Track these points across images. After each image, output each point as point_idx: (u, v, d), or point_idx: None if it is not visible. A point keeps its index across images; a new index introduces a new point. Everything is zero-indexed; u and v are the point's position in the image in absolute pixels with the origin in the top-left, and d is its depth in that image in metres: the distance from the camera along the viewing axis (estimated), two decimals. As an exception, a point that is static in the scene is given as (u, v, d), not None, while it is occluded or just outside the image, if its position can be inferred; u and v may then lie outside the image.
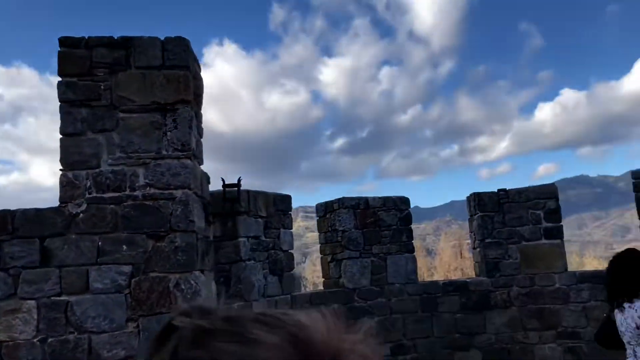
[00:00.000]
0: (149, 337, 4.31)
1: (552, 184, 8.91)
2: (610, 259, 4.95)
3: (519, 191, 9.00)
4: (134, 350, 4.31)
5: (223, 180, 5.66)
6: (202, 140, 5.36)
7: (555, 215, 8.81)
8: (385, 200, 9.01)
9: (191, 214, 4.58)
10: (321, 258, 9.28)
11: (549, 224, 8.80)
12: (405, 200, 9.13)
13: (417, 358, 8.63)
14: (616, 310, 4.77)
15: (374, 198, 9.00)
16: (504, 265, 8.89)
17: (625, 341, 4.76)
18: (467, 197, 9.62)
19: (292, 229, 7.96)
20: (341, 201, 8.79)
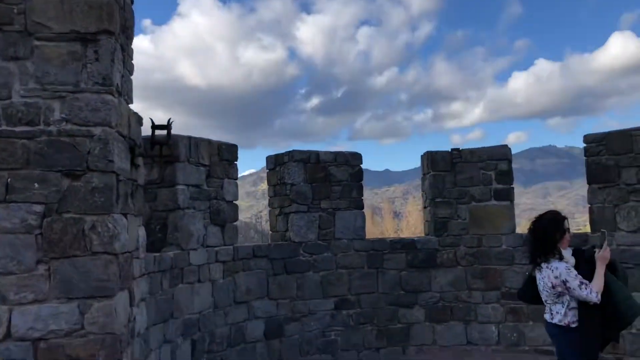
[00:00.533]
0: (60, 280, 4.10)
1: (505, 145, 8.84)
2: (534, 219, 4.91)
3: (472, 151, 8.92)
4: (43, 294, 4.08)
5: (152, 120, 5.34)
6: (132, 78, 5.03)
7: (506, 177, 8.77)
8: (337, 155, 8.82)
9: (110, 153, 4.29)
10: (269, 211, 9.11)
11: (500, 186, 8.77)
12: (357, 156, 8.96)
13: (360, 313, 8.63)
14: (536, 270, 4.74)
15: (325, 152, 8.80)
16: (452, 225, 8.87)
17: (542, 299, 4.74)
18: (421, 156, 9.50)
19: (237, 179, 7.73)
20: (291, 154, 8.57)
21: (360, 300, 8.65)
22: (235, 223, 7.66)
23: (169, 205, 6.63)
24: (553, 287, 4.57)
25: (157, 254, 6.05)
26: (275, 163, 8.88)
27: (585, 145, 8.02)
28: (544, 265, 4.62)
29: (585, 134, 8.07)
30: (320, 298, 8.44)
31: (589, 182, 8.00)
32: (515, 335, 8.41)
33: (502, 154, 8.80)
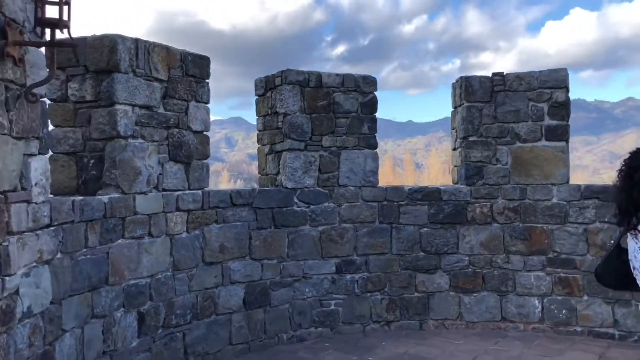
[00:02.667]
0: None
1: (563, 69, 6.78)
2: (625, 158, 3.02)
3: (519, 76, 6.88)
4: None
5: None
6: None
7: (562, 110, 6.76)
8: (344, 78, 6.87)
9: None
10: (258, 149, 7.28)
11: (554, 122, 6.78)
12: (369, 81, 7.00)
13: (368, 278, 6.89)
14: (629, 236, 2.92)
15: (329, 74, 6.85)
16: (489, 171, 6.96)
17: (637, 281, 2.93)
18: (453, 84, 7.51)
19: (208, 102, 5.88)
20: (285, 75, 6.64)
21: (368, 262, 6.89)
22: (205, 161, 5.86)
23: (105, 132, 4.83)
24: None
25: (78, 198, 4.29)
26: (265, 87, 6.98)
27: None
28: None
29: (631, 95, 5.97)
30: (318, 259, 6.70)
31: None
32: (564, 312, 6.61)
33: (559, 79, 6.75)
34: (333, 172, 6.81)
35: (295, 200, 6.62)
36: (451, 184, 7.64)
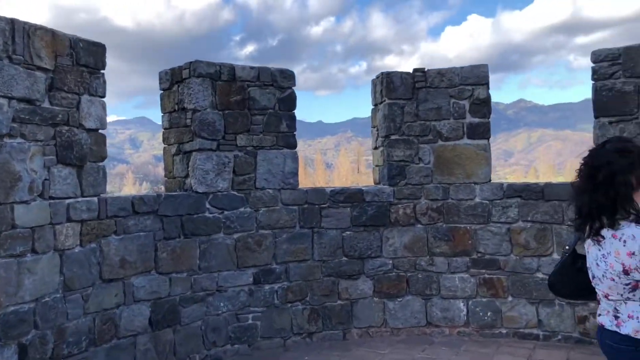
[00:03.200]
0: None
1: (484, 65, 6.65)
2: (585, 157, 2.73)
3: (441, 73, 6.67)
4: None
5: None
6: None
7: (484, 107, 6.63)
8: (261, 72, 6.33)
9: None
10: (164, 149, 6.57)
11: (475, 119, 6.63)
12: (287, 75, 6.51)
13: (289, 288, 6.40)
14: (588, 241, 2.64)
15: (243, 67, 6.28)
16: (412, 171, 6.70)
17: (599, 290, 2.66)
18: (373, 80, 7.19)
19: (104, 96, 5.11)
20: (194, 67, 5.99)
21: (288, 270, 6.40)
22: (101, 163, 5.10)
23: (-27, 130, 3.98)
24: (625, 271, 2.49)
25: None
26: (172, 80, 6.28)
27: (593, 65, 5.96)
28: (606, 233, 2.52)
29: (595, 49, 5.99)
30: (234, 269, 6.11)
31: (596, 115, 5.99)
32: (489, 314, 6.47)
33: (480, 76, 6.61)
34: (249, 174, 6.25)
35: (207, 205, 6.00)
36: (372, 184, 7.34)
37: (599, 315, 2.64)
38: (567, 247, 2.93)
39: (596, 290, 2.64)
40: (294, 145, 6.53)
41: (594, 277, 2.62)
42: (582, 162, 2.65)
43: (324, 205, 6.56)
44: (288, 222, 6.41)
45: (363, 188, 6.74)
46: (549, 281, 3.05)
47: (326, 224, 6.55)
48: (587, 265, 2.66)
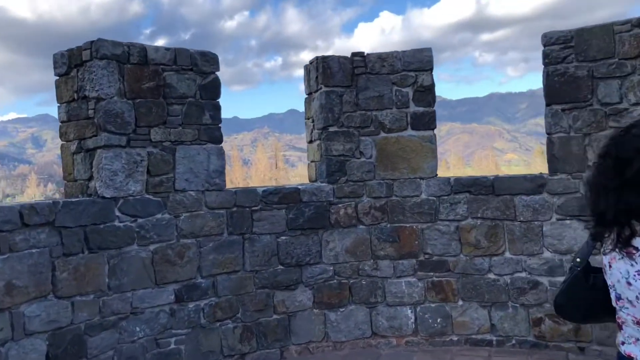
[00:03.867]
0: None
1: (428, 49, 6.10)
2: (607, 144, 2.13)
3: (382, 57, 6.05)
4: None
5: None
6: None
7: (428, 95, 6.08)
8: (178, 54, 5.41)
9: None
10: (61, 146, 5.49)
11: (420, 108, 6.07)
12: (210, 59, 5.63)
13: (217, 305, 5.55)
14: (613, 254, 2.04)
15: (157, 48, 5.33)
16: (353, 166, 6.05)
17: (627, 314, 2.07)
18: (306, 66, 6.46)
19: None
20: (96, 47, 4.98)
21: (216, 284, 5.54)
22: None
23: None
24: None
25: None
26: (69, 63, 5.22)
27: (544, 48, 5.56)
28: (639, 243, 1.97)
29: (546, 32, 5.59)
30: (152, 287, 5.17)
31: (548, 103, 5.60)
32: (439, 320, 5.95)
33: (423, 61, 6.05)
34: (167, 174, 5.33)
35: (117, 213, 5.02)
36: (308, 181, 6.62)
37: (622, 343, 2.06)
38: (578, 260, 2.34)
39: (619, 313, 2.06)
40: (219, 140, 5.67)
41: (619, 298, 2.03)
42: (602, 152, 2.05)
43: (256, 208, 5.76)
44: (214, 228, 5.55)
45: (299, 187, 6.00)
46: (555, 303, 2.45)
47: (258, 228, 5.76)
48: (609, 283, 2.07)
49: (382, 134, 6.05)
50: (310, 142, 6.49)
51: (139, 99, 5.17)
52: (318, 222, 5.95)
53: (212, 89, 5.60)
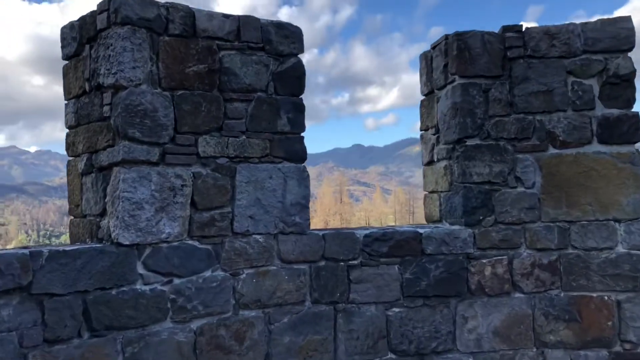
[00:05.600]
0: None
1: (626, 18, 3.93)
2: None
3: (550, 33, 3.92)
4: None
5: None
6: None
7: (626, 89, 3.90)
8: (242, 24, 3.52)
9: None
10: (67, 164, 3.65)
11: (612, 111, 3.88)
12: (291, 33, 3.70)
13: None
14: None
15: (210, 15, 3.46)
16: (505, 201, 3.89)
17: None
18: (424, 54, 4.46)
19: None
20: (116, 5, 3.15)
21: (294, 385, 3.48)
22: None
23: None
24: None
25: None
26: (80, 38, 3.43)
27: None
28: None
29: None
30: (192, 390, 3.18)
31: None
32: None
33: (619, 37, 3.89)
34: (222, 207, 3.40)
35: (141, 269, 3.11)
36: (425, 222, 4.54)
37: None
38: None
39: None
40: (301, 156, 3.70)
41: None
42: None
43: (354, 262, 3.71)
44: (292, 294, 3.55)
45: (420, 230, 3.90)
46: None
47: (358, 295, 3.70)
48: None
49: (552, 150, 3.89)
50: (430, 163, 4.41)
51: (182, 90, 3.31)
52: (450, 286, 3.82)
53: (294, 80, 3.67)
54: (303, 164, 3.70)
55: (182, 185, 3.28)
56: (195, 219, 3.32)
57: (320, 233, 3.72)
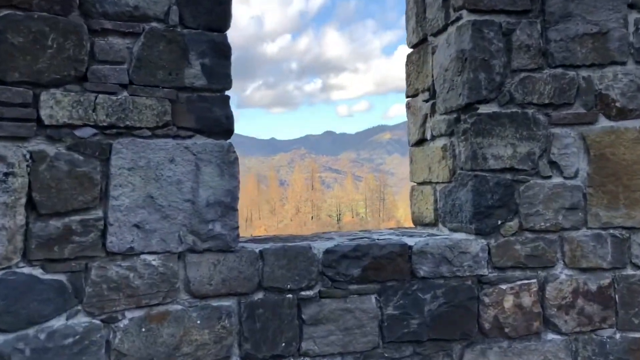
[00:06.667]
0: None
1: None
2: None
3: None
4: None
5: None
6: None
7: None
8: None
9: None
10: None
11: None
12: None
13: None
14: None
15: None
16: (533, 197, 2.61)
17: None
18: (414, -15, 3.11)
19: None
20: None
21: None
22: None
23: None
24: None
25: None
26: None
27: None
28: None
29: None
30: None
31: None
32: None
33: None
34: (86, 210, 2.03)
35: None
36: (411, 225, 3.25)
37: None
38: None
39: None
40: (225, 128, 2.33)
41: None
42: None
43: (309, 293, 2.39)
44: (208, 347, 2.21)
45: (408, 240, 2.59)
46: None
47: (316, 343, 2.38)
48: None
49: (605, 122, 2.62)
50: (421, 142, 3.11)
51: (8, 8, 1.92)
52: (453, 325, 2.53)
53: (212, 4, 2.30)
54: (228, 141, 2.34)
55: (7, 174, 1.90)
56: (34, 232, 1.95)
57: (257, 248, 2.38)
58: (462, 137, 2.64)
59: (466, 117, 2.62)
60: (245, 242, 2.52)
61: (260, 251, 2.36)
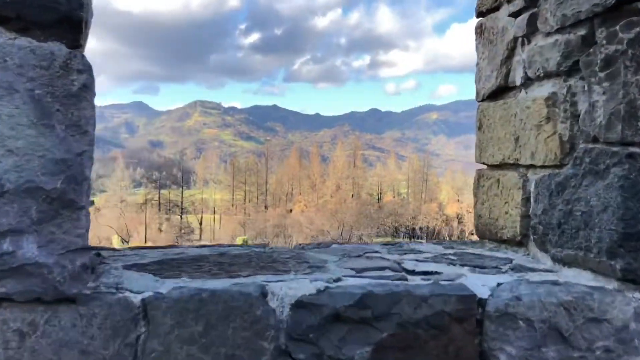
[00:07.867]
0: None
1: None
2: None
3: None
4: None
5: None
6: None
7: None
8: None
9: None
10: None
11: None
12: None
13: None
14: None
15: None
16: None
17: None
18: None
19: None
20: None
21: None
22: None
23: None
24: None
25: None
26: None
27: None
28: None
29: None
30: None
31: None
32: None
33: None
34: None
35: None
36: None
37: None
38: None
39: None
40: (61, 16, 1.01)
41: None
42: None
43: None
44: None
45: (476, 289, 1.23)
46: None
47: None
48: None
49: None
50: (501, 91, 1.72)
51: None
52: None
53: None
54: (69, 48, 1.02)
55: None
56: None
57: (139, 294, 1.07)
58: (602, 75, 1.24)
59: (614, 30, 1.22)
60: (114, 268, 1.22)
61: (145, 302, 1.05)
